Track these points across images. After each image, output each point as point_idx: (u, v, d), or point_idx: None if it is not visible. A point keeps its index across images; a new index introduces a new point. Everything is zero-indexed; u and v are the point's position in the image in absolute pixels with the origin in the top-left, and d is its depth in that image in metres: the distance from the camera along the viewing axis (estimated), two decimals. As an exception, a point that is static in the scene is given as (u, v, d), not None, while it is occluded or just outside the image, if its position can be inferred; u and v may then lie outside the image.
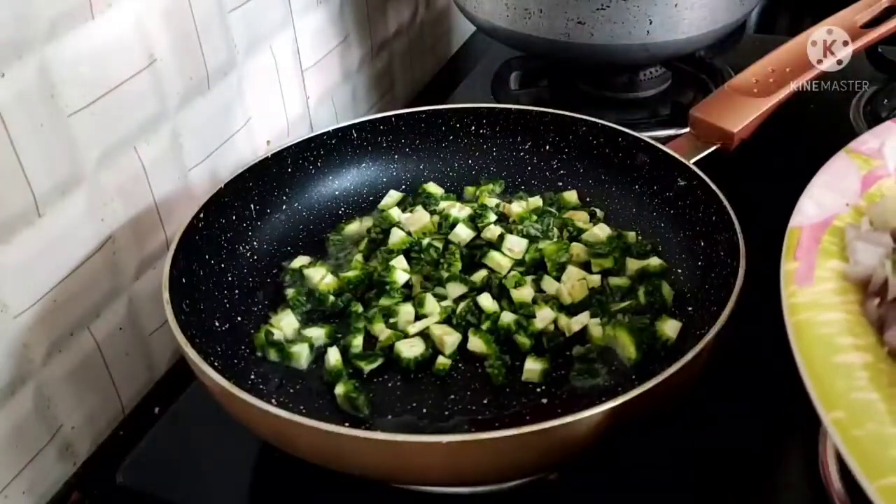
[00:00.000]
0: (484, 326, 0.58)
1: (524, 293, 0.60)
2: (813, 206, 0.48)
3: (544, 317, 0.58)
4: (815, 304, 0.41)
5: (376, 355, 0.57)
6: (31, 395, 0.54)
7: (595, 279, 0.62)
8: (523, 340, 0.57)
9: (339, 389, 0.54)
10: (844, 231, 0.46)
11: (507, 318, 0.58)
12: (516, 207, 0.68)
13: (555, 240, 0.65)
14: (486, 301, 0.60)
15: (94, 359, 0.59)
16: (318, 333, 0.59)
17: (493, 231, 0.65)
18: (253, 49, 0.72)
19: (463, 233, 0.65)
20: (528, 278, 0.61)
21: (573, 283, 0.61)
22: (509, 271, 0.62)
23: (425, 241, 0.64)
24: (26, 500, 0.55)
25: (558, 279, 0.61)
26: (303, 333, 0.59)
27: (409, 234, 0.66)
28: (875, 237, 0.45)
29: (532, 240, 0.64)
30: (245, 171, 0.65)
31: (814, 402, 0.36)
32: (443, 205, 0.69)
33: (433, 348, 0.57)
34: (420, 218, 0.66)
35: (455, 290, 0.61)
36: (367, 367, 0.57)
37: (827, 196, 0.49)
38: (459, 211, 0.66)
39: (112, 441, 0.61)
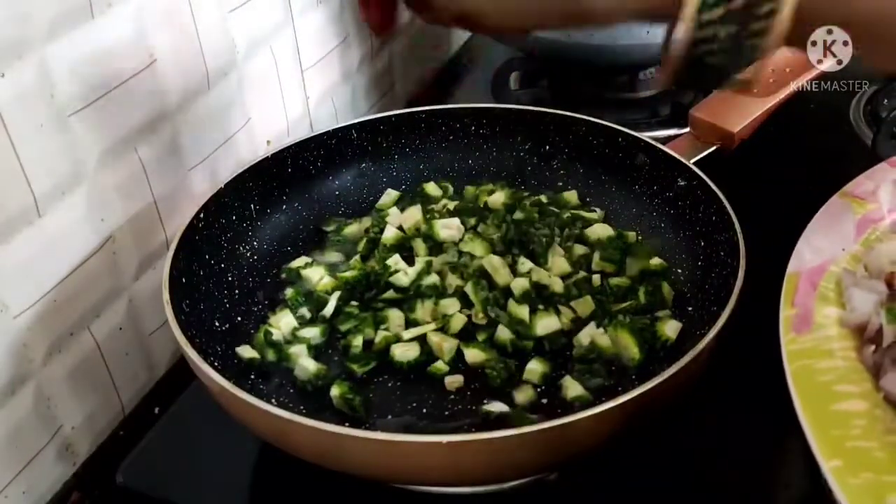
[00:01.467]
0: (480, 338, 0.58)
1: (522, 311, 0.59)
2: (809, 252, 0.48)
3: (547, 325, 0.58)
4: (813, 350, 0.42)
5: (369, 358, 0.57)
6: (31, 395, 0.54)
7: (595, 279, 0.62)
8: (526, 344, 0.57)
9: (335, 391, 0.54)
10: (841, 277, 0.47)
11: (504, 334, 0.58)
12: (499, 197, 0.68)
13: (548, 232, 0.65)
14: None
15: (94, 359, 0.59)
16: (314, 334, 0.59)
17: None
18: (253, 49, 0.72)
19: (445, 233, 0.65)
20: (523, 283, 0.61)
21: (559, 267, 0.61)
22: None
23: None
24: (26, 499, 0.55)
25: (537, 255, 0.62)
26: (300, 334, 0.59)
27: (401, 229, 0.66)
28: (870, 284, 0.46)
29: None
30: (245, 171, 0.65)
31: (813, 450, 0.37)
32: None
33: (428, 353, 0.57)
34: (412, 215, 0.66)
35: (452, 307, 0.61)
36: (361, 371, 0.56)
37: (823, 241, 0.49)
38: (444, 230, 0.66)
39: (112, 441, 0.61)
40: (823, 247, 0.49)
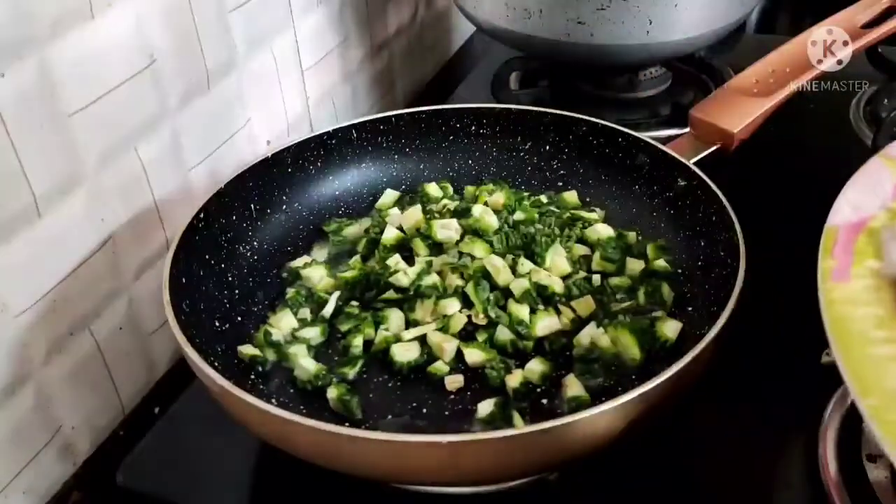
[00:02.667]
0: (480, 339, 0.58)
1: (522, 311, 0.59)
2: (848, 207, 0.50)
3: (547, 325, 0.58)
4: (851, 299, 0.44)
5: (357, 358, 0.57)
6: (31, 395, 0.54)
7: (595, 279, 0.62)
8: (526, 344, 0.57)
9: (332, 393, 0.54)
10: (880, 232, 0.48)
11: (504, 335, 0.58)
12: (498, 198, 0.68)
13: (547, 230, 0.65)
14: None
15: (94, 359, 0.59)
16: (314, 334, 0.59)
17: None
18: (253, 49, 0.72)
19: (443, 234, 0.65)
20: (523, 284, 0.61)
21: (559, 267, 0.61)
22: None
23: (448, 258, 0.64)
24: (26, 500, 0.55)
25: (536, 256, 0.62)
26: (300, 334, 0.59)
27: (401, 230, 0.66)
28: None
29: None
30: (245, 171, 0.65)
31: (850, 390, 0.39)
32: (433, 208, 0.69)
33: (428, 353, 0.57)
34: (413, 215, 0.66)
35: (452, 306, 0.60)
36: (351, 373, 0.56)
37: (861, 198, 0.51)
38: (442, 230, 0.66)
39: (112, 441, 0.61)
40: (862, 203, 0.50)
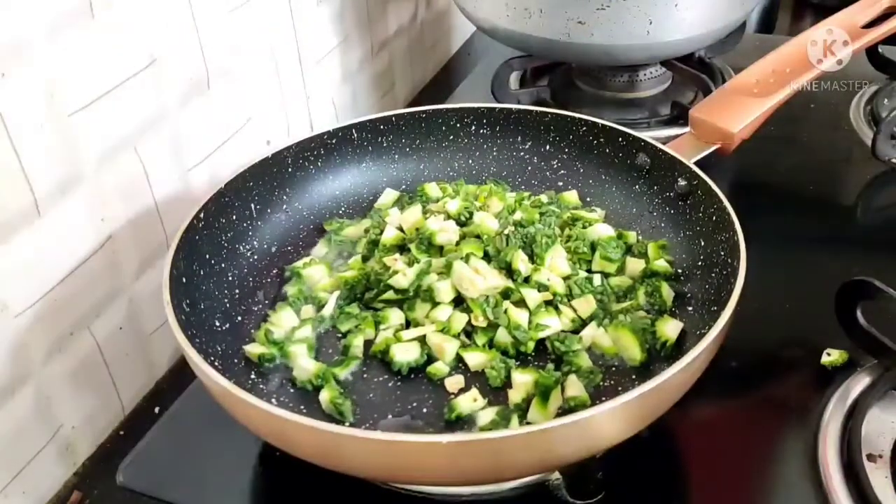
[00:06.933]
0: (480, 342, 0.58)
1: (520, 316, 0.58)
2: None
3: (549, 325, 0.58)
4: None
5: (350, 359, 0.57)
6: (31, 395, 0.54)
7: (595, 279, 0.62)
8: (528, 345, 0.57)
9: (324, 395, 0.54)
10: None
11: (505, 338, 0.57)
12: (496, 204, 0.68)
13: (546, 228, 0.65)
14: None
15: (94, 359, 0.59)
16: (314, 333, 0.59)
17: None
18: (253, 48, 0.72)
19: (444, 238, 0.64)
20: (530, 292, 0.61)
21: (559, 267, 0.61)
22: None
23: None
24: (26, 499, 0.55)
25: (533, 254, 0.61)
26: (300, 334, 0.59)
27: (401, 230, 0.66)
28: None
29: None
30: (245, 171, 0.65)
31: None
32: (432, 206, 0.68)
33: (428, 353, 0.57)
34: (412, 215, 0.66)
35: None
36: (342, 373, 0.56)
37: None
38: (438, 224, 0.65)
39: (112, 441, 0.61)
40: None
